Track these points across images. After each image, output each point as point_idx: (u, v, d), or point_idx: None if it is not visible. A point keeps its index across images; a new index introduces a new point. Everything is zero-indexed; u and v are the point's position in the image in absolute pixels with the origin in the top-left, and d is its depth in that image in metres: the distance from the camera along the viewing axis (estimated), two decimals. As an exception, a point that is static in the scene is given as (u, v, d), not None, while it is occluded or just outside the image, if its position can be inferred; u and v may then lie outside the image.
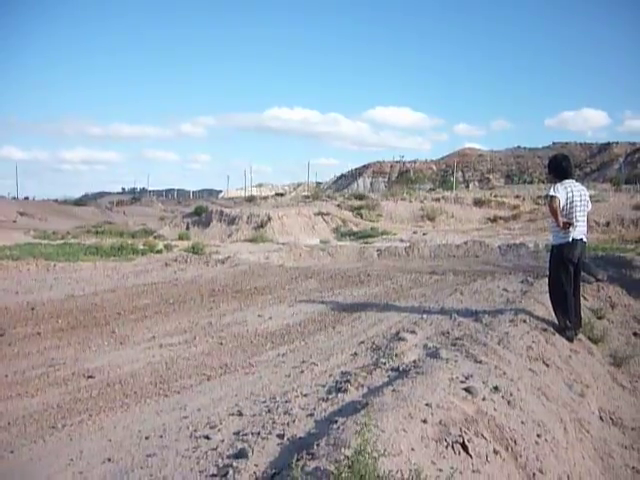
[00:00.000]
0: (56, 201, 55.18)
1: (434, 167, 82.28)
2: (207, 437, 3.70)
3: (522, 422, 3.87)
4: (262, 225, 25.28)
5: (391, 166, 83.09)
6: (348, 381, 4.49)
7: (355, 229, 26.88)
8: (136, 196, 75.47)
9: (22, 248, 16.41)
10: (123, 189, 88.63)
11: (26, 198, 58.14)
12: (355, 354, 5.61)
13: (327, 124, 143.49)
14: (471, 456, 3.19)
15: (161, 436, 3.87)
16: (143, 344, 6.47)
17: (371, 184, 76.91)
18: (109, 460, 3.56)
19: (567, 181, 6.44)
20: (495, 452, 3.36)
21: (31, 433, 4.11)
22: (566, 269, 6.44)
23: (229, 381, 5.09)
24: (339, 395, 4.20)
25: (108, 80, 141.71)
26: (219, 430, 3.82)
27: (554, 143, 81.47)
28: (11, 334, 6.87)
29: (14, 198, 54.49)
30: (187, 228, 27.58)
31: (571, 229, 6.32)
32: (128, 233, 26.34)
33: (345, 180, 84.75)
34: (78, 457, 3.65)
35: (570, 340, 6.34)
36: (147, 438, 3.86)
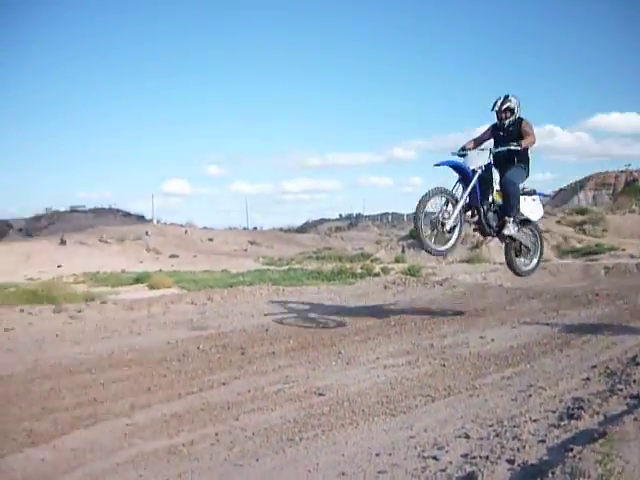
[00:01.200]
0: (281, 230, 59.48)
1: (667, 174, 74.13)
2: (435, 458, 3.73)
3: None
4: (477, 245, 24.81)
5: (616, 176, 76.18)
6: (581, 407, 4.24)
7: (578, 246, 25.23)
8: (352, 221, 78.14)
9: (253, 274, 17.94)
10: (340, 215, 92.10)
11: (255, 228, 63.31)
12: (587, 379, 5.26)
13: (542, 137, 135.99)
14: None
15: (390, 454, 3.97)
16: (368, 365, 6.68)
17: (594, 197, 71.18)
18: (343, 474, 3.73)
19: None
20: None
21: (272, 444, 4.44)
22: None
23: (453, 403, 5.07)
24: (572, 422, 3.98)
25: (324, 112, 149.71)
26: (446, 451, 3.83)
27: None
28: (250, 353, 7.51)
29: (245, 229, 59.73)
30: (402, 251, 27.94)
31: None
32: (346, 257, 27.42)
33: (564, 194, 79.47)
34: (315, 469, 3.88)
35: None
36: (377, 455, 3.98)
